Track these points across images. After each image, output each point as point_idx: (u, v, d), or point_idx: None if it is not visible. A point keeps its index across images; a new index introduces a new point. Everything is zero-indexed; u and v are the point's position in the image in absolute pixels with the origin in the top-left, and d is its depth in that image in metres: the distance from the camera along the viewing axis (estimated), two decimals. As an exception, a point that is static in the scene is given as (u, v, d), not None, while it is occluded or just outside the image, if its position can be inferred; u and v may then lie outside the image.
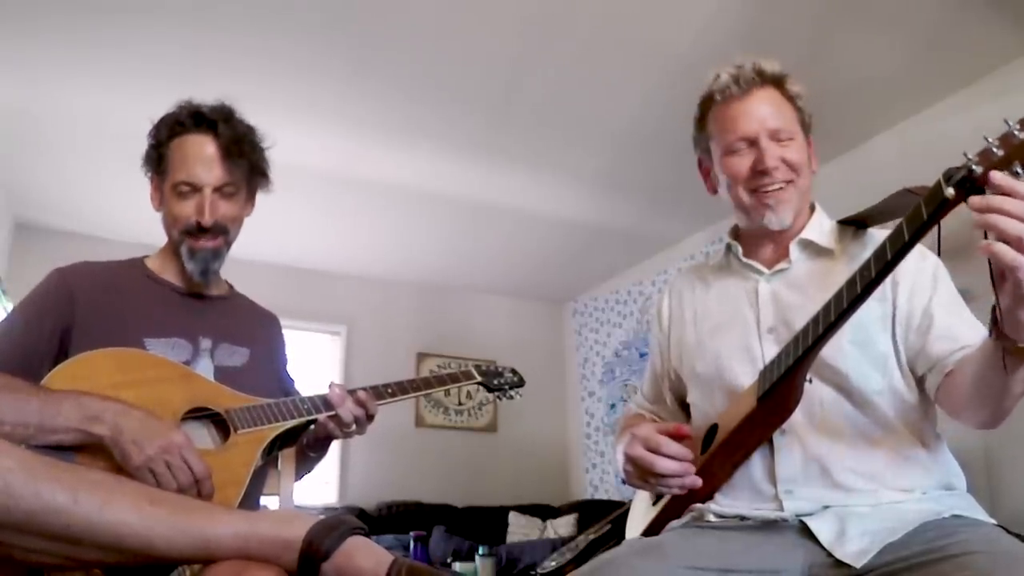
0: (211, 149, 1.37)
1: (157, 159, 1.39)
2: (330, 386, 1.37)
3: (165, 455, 1.11)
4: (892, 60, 3.13)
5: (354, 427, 1.39)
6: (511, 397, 1.71)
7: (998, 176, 0.82)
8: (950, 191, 0.85)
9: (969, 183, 0.84)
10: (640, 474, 1.20)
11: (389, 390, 1.44)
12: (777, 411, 1.11)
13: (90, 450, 1.13)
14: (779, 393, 1.08)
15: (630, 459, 1.20)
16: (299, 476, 1.54)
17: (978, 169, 0.83)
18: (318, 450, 1.49)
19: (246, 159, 1.40)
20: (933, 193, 0.87)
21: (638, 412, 1.52)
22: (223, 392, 1.31)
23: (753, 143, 1.22)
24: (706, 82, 1.28)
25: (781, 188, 1.22)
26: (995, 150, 0.82)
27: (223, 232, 1.40)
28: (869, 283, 0.95)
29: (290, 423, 1.33)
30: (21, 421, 1.10)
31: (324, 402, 1.37)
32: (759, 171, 1.21)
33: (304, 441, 1.47)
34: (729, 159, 1.25)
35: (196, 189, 1.36)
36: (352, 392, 1.37)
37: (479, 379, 1.63)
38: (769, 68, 1.25)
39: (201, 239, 1.37)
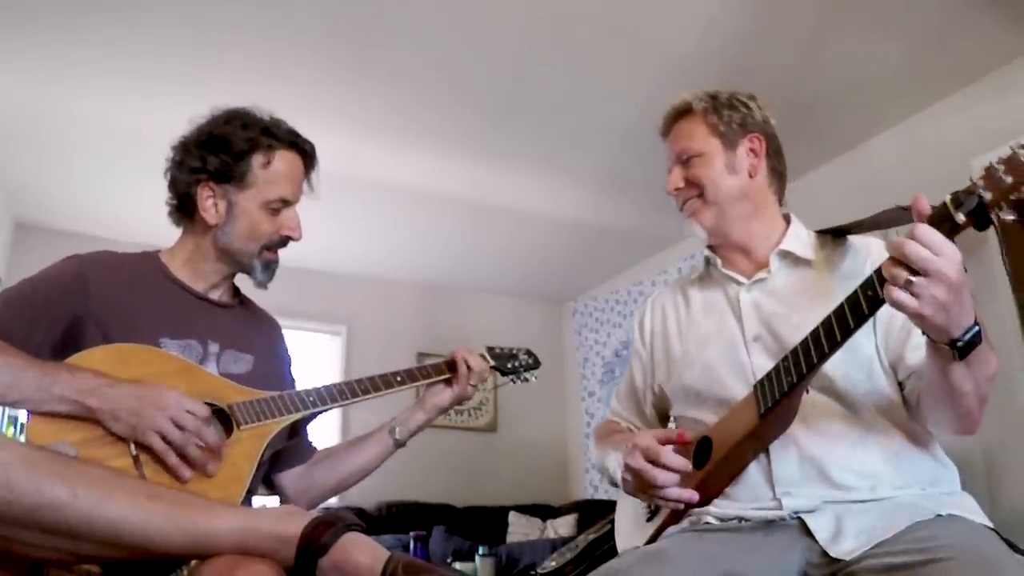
0: (301, 170, 1.43)
1: (239, 170, 1.36)
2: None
3: (161, 423, 1.14)
4: (892, 60, 3.13)
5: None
6: (526, 380, 1.64)
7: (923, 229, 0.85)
8: (961, 217, 0.84)
9: (981, 210, 0.83)
10: (640, 485, 1.19)
11: (398, 378, 1.46)
12: (778, 424, 1.11)
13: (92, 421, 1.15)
14: (781, 408, 1.08)
15: (630, 470, 1.18)
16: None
17: (987, 195, 0.82)
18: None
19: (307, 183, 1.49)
20: (942, 215, 0.86)
21: (614, 420, 1.50)
22: (226, 386, 1.31)
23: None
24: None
25: (689, 203, 1.34)
26: (1003, 176, 0.81)
27: None
28: (873, 303, 0.93)
29: (293, 416, 1.33)
30: (16, 384, 1.11)
31: (329, 394, 1.38)
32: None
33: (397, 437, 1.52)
34: None
35: (288, 205, 1.41)
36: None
37: (492, 363, 1.59)
38: (678, 104, 1.36)
39: (275, 251, 1.43)
